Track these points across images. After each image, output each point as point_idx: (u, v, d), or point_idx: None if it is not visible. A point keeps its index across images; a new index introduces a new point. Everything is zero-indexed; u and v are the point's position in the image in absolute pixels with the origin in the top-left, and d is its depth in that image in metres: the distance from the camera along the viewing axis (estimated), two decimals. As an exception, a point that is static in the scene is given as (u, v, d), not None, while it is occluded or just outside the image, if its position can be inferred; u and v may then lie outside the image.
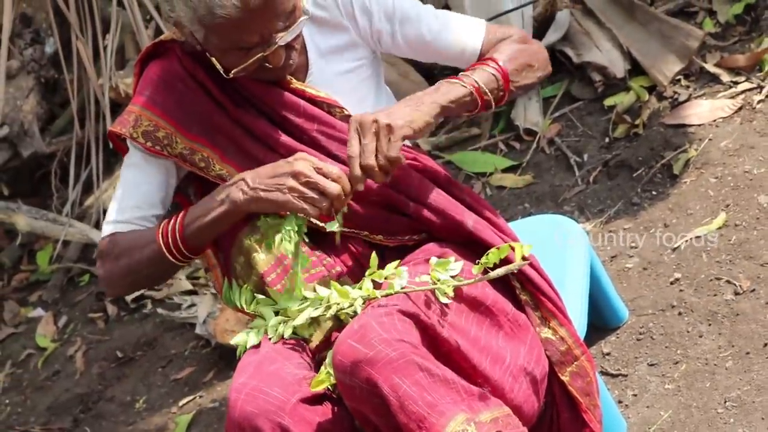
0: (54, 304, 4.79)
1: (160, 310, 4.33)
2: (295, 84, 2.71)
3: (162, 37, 2.75)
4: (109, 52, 4.71)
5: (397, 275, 2.55)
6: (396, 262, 2.60)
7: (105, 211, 2.83)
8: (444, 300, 2.53)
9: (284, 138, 2.68)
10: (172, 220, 2.63)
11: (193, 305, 4.27)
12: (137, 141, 2.68)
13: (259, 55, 2.56)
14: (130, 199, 2.74)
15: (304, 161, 2.50)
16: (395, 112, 2.54)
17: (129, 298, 4.51)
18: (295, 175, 2.49)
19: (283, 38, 2.56)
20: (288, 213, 2.58)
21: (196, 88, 2.70)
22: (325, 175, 2.49)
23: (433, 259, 2.60)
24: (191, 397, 3.95)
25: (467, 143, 4.35)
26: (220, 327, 4.00)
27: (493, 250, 2.57)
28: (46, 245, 5.02)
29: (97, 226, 4.72)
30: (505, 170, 4.15)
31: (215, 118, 2.69)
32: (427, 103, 2.59)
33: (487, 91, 2.64)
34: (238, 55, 2.58)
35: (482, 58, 2.73)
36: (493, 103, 2.67)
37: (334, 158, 2.68)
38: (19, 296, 4.95)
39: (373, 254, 2.59)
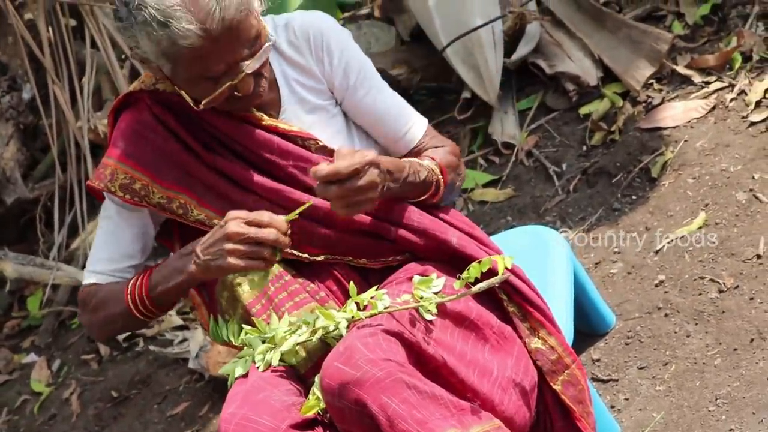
0: (47, 348, 4.79)
1: (152, 347, 4.33)
2: (267, 121, 2.72)
3: (131, 87, 2.75)
4: (86, 95, 4.73)
5: (378, 298, 2.56)
6: (375, 288, 2.61)
7: (92, 245, 2.86)
8: (428, 317, 2.54)
9: (259, 178, 2.69)
10: (138, 281, 2.67)
11: (184, 340, 4.28)
12: (116, 194, 2.70)
13: (228, 84, 2.57)
14: (105, 251, 2.77)
15: (234, 220, 2.52)
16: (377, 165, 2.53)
17: (121, 337, 4.51)
18: (229, 238, 2.51)
19: (249, 66, 2.57)
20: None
21: (167, 137, 2.71)
22: (258, 225, 2.51)
23: (416, 278, 2.61)
24: (188, 432, 3.96)
25: (447, 161, 4.36)
26: (213, 360, 4.00)
27: (474, 264, 2.59)
28: (35, 290, 5.02)
29: (85, 268, 4.71)
30: (486, 185, 4.17)
31: (189, 165, 2.70)
32: (393, 177, 2.61)
33: (432, 180, 2.71)
34: (207, 86, 2.58)
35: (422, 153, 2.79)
36: (431, 194, 2.72)
37: (314, 194, 2.69)
38: (11, 343, 4.95)
39: (351, 284, 2.61)
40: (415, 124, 2.83)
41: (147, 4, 2.47)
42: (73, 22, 4.91)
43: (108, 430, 4.18)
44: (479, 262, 2.58)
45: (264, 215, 2.53)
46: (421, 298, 2.55)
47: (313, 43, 2.74)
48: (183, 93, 2.62)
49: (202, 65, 2.54)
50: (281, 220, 2.53)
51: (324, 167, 2.47)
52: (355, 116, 2.82)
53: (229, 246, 2.51)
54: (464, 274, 2.58)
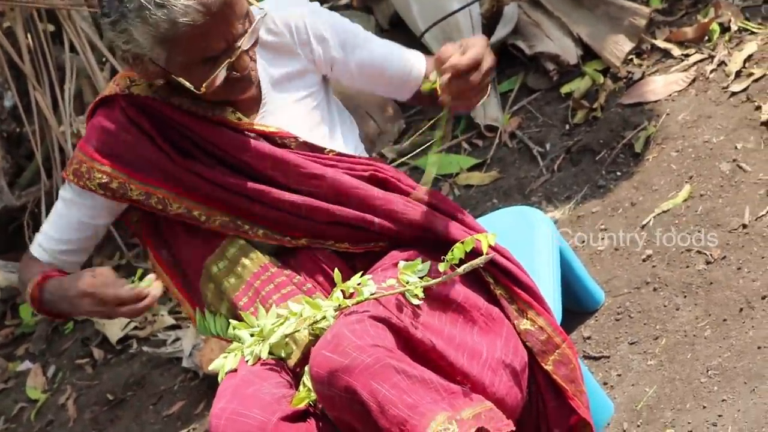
0: (41, 355, 4.78)
1: (145, 348, 4.32)
2: (245, 122, 2.70)
3: (105, 92, 2.73)
4: (68, 99, 4.71)
5: (364, 284, 2.56)
6: (359, 274, 2.61)
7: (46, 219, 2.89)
8: (415, 302, 2.53)
9: (237, 180, 2.68)
10: (35, 283, 2.70)
11: (177, 339, 4.27)
12: (96, 192, 2.70)
13: (227, 61, 2.55)
14: (55, 231, 2.80)
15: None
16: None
17: (114, 340, 4.50)
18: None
19: (245, 41, 2.55)
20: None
21: (141, 138, 2.68)
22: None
23: (401, 263, 2.61)
24: (185, 431, 3.94)
25: (431, 147, 4.35)
26: (206, 357, 3.99)
27: (457, 244, 2.58)
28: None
29: (75, 272, 4.70)
30: (471, 169, 4.16)
31: (163, 164, 2.69)
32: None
33: None
34: (204, 70, 2.55)
35: None
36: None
37: (294, 192, 2.68)
38: (5, 351, 4.93)
39: (336, 270, 2.60)
40: (415, 60, 2.80)
41: None
42: (51, 28, 4.89)
43: (105, 433, 4.18)
44: (463, 243, 2.57)
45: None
46: (407, 282, 2.54)
47: (296, 29, 2.72)
48: (181, 80, 2.59)
49: (203, 43, 2.50)
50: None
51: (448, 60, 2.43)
52: (355, 77, 2.80)
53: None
54: (448, 256, 2.58)
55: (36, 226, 5.01)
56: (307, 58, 2.74)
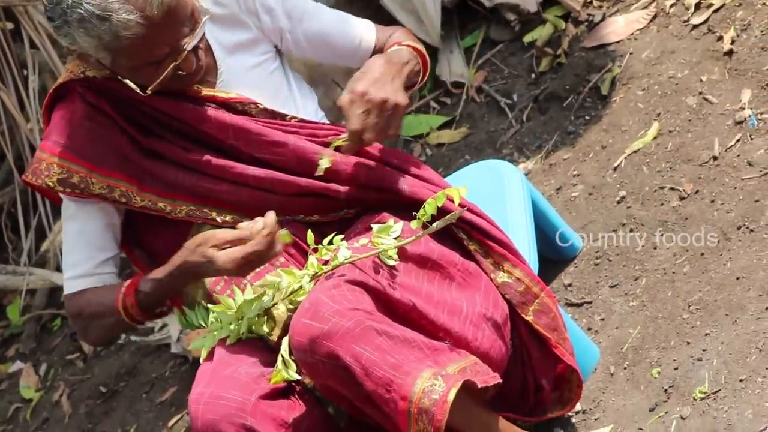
0: (32, 354, 4.77)
1: (134, 338, 4.31)
2: (205, 91, 2.69)
3: (60, 80, 2.71)
4: (33, 96, 4.69)
5: (336, 244, 2.54)
6: (332, 235, 2.59)
7: (63, 253, 2.81)
8: (390, 263, 2.52)
9: (200, 155, 2.66)
10: (124, 295, 2.62)
11: (165, 326, 4.26)
12: (55, 189, 2.67)
13: (172, 65, 2.54)
14: (78, 251, 2.73)
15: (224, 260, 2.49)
16: (391, 84, 2.57)
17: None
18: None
19: (189, 43, 2.55)
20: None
21: (103, 122, 2.67)
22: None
23: (375, 226, 2.59)
24: (179, 416, 3.94)
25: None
26: (194, 340, 3.98)
27: (428, 201, 2.57)
28: (13, 299, 4.98)
29: (58, 269, 4.69)
30: (441, 127, 4.14)
31: (126, 150, 2.67)
32: (400, 72, 2.63)
33: (417, 62, 2.75)
34: (150, 71, 2.56)
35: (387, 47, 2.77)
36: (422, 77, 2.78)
37: (258, 162, 2.66)
38: (-4, 354, 4.94)
39: (309, 232, 2.58)
40: (365, 31, 2.83)
41: (82, 1, 2.43)
42: (10, 26, 4.85)
43: (101, 426, 4.17)
44: (434, 198, 2.57)
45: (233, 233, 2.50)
46: (381, 245, 2.53)
47: (243, 0, 2.71)
48: (128, 81, 2.58)
49: (146, 52, 2.51)
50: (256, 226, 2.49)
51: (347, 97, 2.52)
52: (305, 48, 2.81)
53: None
54: (420, 213, 2.57)
55: (14, 227, 5.00)
56: (256, 26, 2.73)
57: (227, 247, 2.47)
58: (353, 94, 2.53)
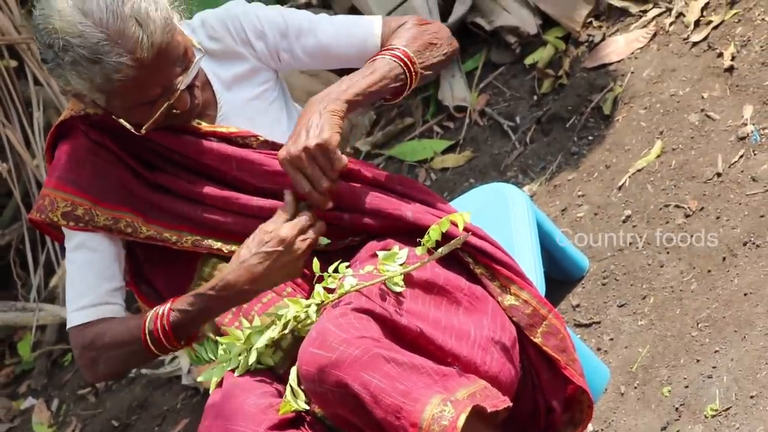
0: (43, 390, 4.78)
1: (144, 371, 4.32)
2: (205, 127, 2.70)
3: (61, 117, 2.71)
4: (38, 132, 4.71)
5: (341, 272, 2.54)
6: (337, 262, 2.59)
7: (66, 285, 2.77)
8: (397, 289, 2.51)
9: (204, 187, 2.66)
10: (158, 317, 2.58)
11: (175, 358, 4.26)
12: (59, 223, 2.66)
13: (165, 104, 2.55)
14: (87, 281, 2.68)
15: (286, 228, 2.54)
16: (311, 128, 2.53)
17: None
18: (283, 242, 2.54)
19: (183, 82, 2.55)
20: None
21: (107, 157, 2.68)
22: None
23: (380, 253, 2.59)
24: (191, 448, 3.95)
25: (403, 134, 4.35)
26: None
27: (433, 227, 2.57)
28: (24, 335, 5.00)
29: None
30: (445, 151, 4.15)
31: (131, 185, 2.67)
32: (331, 102, 2.59)
33: (394, 74, 2.65)
34: (144, 110, 2.56)
35: (383, 48, 2.73)
36: (409, 84, 2.67)
37: (262, 192, 2.67)
38: (9, 391, 4.94)
39: (315, 260, 2.58)
40: (369, 30, 2.75)
41: (72, 44, 2.43)
42: (13, 63, 4.88)
43: (114, 460, 4.18)
44: (438, 224, 2.56)
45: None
46: (386, 271, 2.53)
47: (234, 29, 2.72)
48: (122, 121, 2.59)
49: (139, 93, 2.52)
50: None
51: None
52: (307, 62, 2.78)
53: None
54: (425, 239, 2.57)
55: (23, 263, 5.02)
56: (252, 56, 2.74)
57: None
58: (279, 160, 2.53)
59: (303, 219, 2.55)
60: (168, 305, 2.58)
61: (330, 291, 2.56)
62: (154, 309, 2.59)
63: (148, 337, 2.58)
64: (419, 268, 2.54)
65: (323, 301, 2.54)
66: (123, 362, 2.67)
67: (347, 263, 2.62)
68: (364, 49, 2.76)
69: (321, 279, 2.57)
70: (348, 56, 2.78)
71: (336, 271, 2.57)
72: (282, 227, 2.54)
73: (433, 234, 2.57)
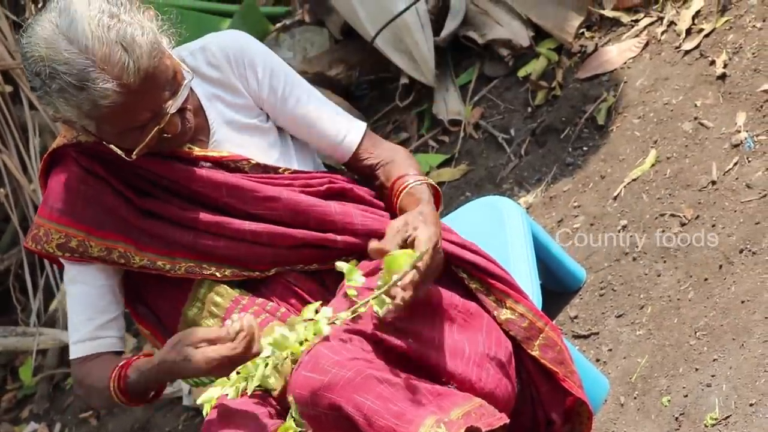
0: (45, 414, 4.77)
1: (145, 393, 4.30)
2: (197, 152, 2.69)
3: (54, 145, 2.72)
4: (34, 157, 4.72)
5: (323, 315, 2.52)
6: (316, 304, 2.57)
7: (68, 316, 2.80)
8: (384, 309, 2.48)
9: (195, 213, 2.66)
10: (117, 377, 2.59)
11: (175, 379, 4.25)
12: (54, 255, 2.67)
13: (156, 129, 2.54)
14: (80, 314, 2.71)
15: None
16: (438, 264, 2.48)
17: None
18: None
19: (173, 105, 2.55)
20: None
21: (98, 185, 2.67)
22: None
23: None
24: (193, 470, 3.94)
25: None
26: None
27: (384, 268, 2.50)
28: (25, 360, 5.00)
29: (67, 327, 4.69)
30: (440, 165, 4.14)
31: (122, 212, 2.66)
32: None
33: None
34: (135, 135, 2.55)
35: (397, 178, 2.73)
36: None
37: (252, 218, 2.66)
38: (11, 416, 4.93)
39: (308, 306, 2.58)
40: (351, 129, 2.78)
41: (59, 71, 2.42)
42: (9, 88, 4.89)
43: (117, 484, 4.17)
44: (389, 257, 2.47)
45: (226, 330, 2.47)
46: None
47: (234, 61, 2.71)
48: (113, 147, 2.59)
49: (127, 118, 2.51)
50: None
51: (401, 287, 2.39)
52: (289, 128, 2.79)
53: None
54: (379, 281, 2.50)
55: (23, 288, 5.02)
56: (246, 89, 2.73)
57: (203, 346, 2.45)
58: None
59: (229, 351, 2.45)
60: (121, 363, 2.59)
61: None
62: (119, 365, 2.60)
63: (113, 393, 2.60)
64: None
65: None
66: (108, 402, 2.67)
67: (341, 290, 2.59)
68: (340, 144, 2.77)
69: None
70: (320, 141, 2.78)
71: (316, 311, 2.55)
72: (204, 353, 2.46)
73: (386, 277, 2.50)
